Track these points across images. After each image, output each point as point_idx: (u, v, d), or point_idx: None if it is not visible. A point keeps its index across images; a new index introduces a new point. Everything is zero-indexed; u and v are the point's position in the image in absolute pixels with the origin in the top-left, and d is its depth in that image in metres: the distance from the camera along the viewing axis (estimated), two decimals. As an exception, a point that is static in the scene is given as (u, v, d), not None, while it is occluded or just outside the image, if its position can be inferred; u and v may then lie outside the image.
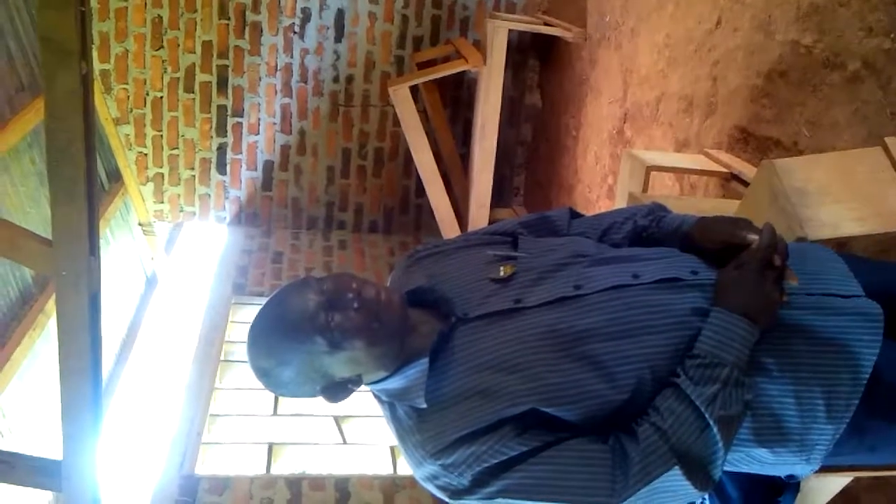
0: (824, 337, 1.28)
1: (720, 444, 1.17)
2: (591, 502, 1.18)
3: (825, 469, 1.39)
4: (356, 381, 1.31)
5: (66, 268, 2.30)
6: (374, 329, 1.24)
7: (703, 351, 1.21)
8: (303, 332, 1.23)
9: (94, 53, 5.43)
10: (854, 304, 1.31)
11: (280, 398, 4.49)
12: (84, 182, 2.24)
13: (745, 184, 2.99)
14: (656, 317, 1.25)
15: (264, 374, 1.28)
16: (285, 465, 4.03)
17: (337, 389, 1.30)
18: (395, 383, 1.30)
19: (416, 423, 1.26)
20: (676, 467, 1.16)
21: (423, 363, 1.26)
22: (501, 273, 1.34)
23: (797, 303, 1.27)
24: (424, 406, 1.25)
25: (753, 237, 1.28)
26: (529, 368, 1.22)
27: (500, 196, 6.12)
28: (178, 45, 5.55)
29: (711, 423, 1.16)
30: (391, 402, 1.32)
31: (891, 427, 1.34)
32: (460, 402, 1.23)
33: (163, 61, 5.57)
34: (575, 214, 1.59)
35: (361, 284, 1.27)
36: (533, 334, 1.24)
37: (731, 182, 3.18)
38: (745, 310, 1.22)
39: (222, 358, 4.72)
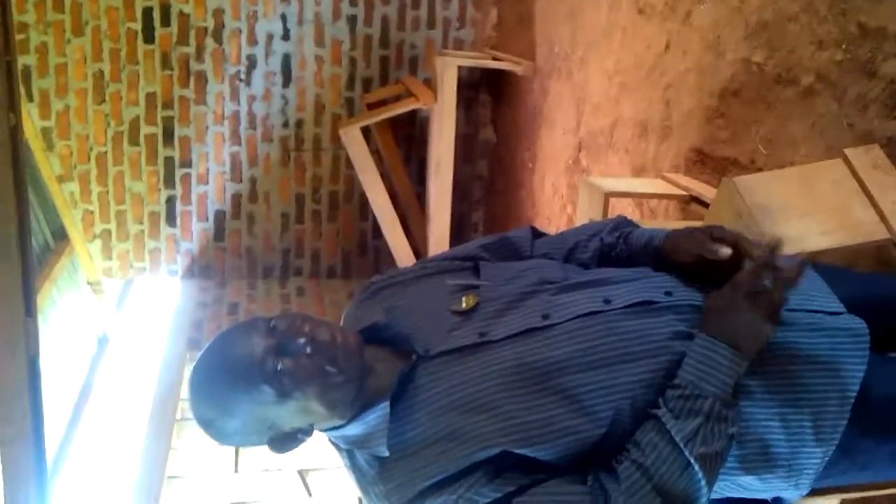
0: (810, 356, 1.21)
1: (703, 483, 1.09)
2: None
3: (814, 492, 1.32)
4: (307, 431, 1.20)
5: (0, 331, 2.17)
6: (329, 375, 1.13)
7: (685, 381, 1.12)
8: (248, 380, 1.12)
9: (35, 111, 5.31)
10: (838, 321, 1.26)
11: (240, 451, 4.34)
12: (16, 239, 2.13)
13: (705, 205, 2.96)
14: (631, 344, 1.16)
15: (207, 425, 1.17)
16: (250, 526, 3.87)
17: (286, 440, 1.19)
18: (353, 430, 1.19)
19: (379, 472, 1.15)
20: None
21: (384, 408, 1.15)
22: (464, 305, 1.25)
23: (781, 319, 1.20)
24: (387, 454, 1.14)
25: (725, 251, 1.21)
26: (499, 407, 1.12)
27: (459, 233, 6.06)
28: (121, 98, 5.44)
29: (692, 460, 1.08)
30: (350, 450, 1.21)
31: (881, 444, 1.28)
32: (426, 447, 1.13)
33: (106, 115, 5.45)
34: (537, 234, 1.51)
35: (315, 326, 1.16)
36: (501, 370, 1.15)
37: (690, 204, 3.15)
38: (731, 337, 1.13)
39: (178, 417, 4.55)
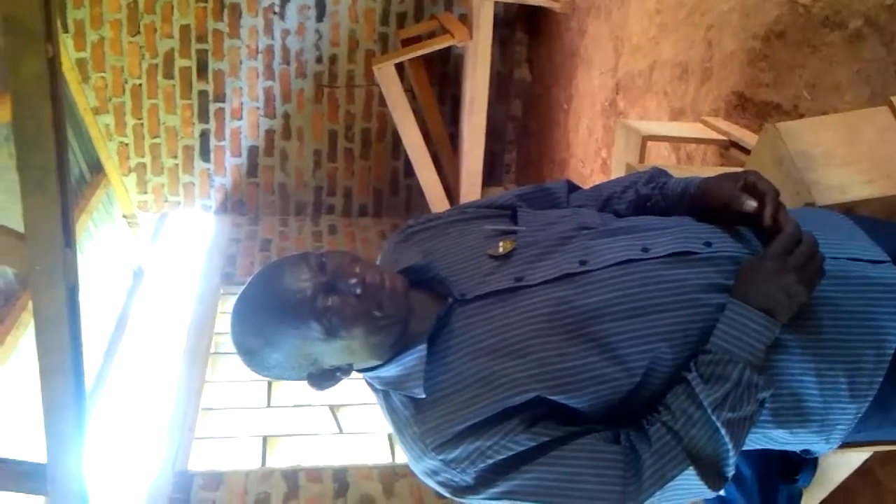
0: (847, 311, 1.19)
1: (730, 446, 1.09)
2: None
3: (846, 445, 1.31)
4: (346, 370, 1.20)
5: (39, 261, 2.20)
6: (376, 318, 1.13)
7: (716, 346, 1.12)
8: (298, 315, 1.11)
9: (70, 42, 5.32)
10: (879, 271, 1.23)
11: (273, 386, 4.41)
12: (55, 171, 2.13)
13: (745, 151, 2.91)
14: (668, 294, 1.15)
15: (249, 354, 1.17)
16: (281, 458, 3.95)
17: (325, 377, 1.20)
18: (390, 371, 1.19)
19: (414, 413, 1.16)
20: (690, 468, 1.09)
21: (421, 350, 1.16)
22: (501, 249, 1.24)
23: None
24: (423, 396, 1.15)
25: (751, 204, 1.18)
26: (534, 353, 1.12)
27: (491, 174, 6.03)
28: (156, 31, 5.42)
29: (719, 425, 1.08)
30: (386, 391, 1.22)
31: (917, 400, 1.25)
32: (461, 390, 1.13)
33: (140, 48, 5.44)
34: (573, 188, 1.48)
35: (365, 268, 1.15)
36: (536, 315, 1.14)
37: (729, 150, 3.09)
38: (764, 304, 1.12)
39: (212, 350, 4.63)
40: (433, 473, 1.16)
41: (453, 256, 1.27)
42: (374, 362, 1.20)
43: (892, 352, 1.19)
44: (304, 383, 1.22)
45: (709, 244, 1.20)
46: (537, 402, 1.11)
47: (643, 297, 1.15)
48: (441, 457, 1.13)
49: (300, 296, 1.12)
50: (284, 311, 1.12)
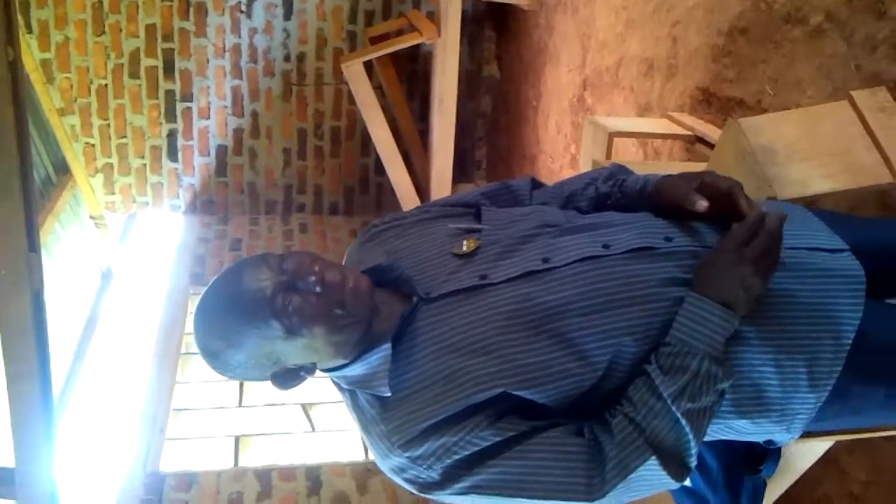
0: (805, 302, 1.21)
1: (691, 437, 1.11)
2: (569, 498, 1.11)
3: (807, 435, 1.34)
4: (310, 369, 1.21)
5: (3, 266, 2.18)
6: (336, 316, 1.14)
7: (675, 339, 1.14)
8: (259, 314, 1.12)
9: (34, 42, 5.25)
10: (838, 262, 1.25)
11: (244, 386, 4.40)
12: (18, 175, 2.12)
13: (710, 146, 2.94)
14: (628, 289, 1.17)
15: (212, 356, 1.18)
16: (253, 458, 3.94)
17: (289, 377, 1.20)
18: (355, 370, 1.20)
19: (380, 412, 1.17)
20: (652, 458, 1.10)
21: (386, 349, 1.17)
22: (465, 248, 1.25)
23: (780, 261, 1.20)
24: (388, 394, 1.16)
25: (702, 204, 1.20)
26: (498, 350, 1.13)
27: (461, 170, 6.03)
28: (121, 30, 5.36)
29: (679, 416, 1.10)
30: (352, 391, 1.23)
31: (875, 389, 1.29)
32: (426, 388, 1.14)
33: (105, 47, 5.38)
34: (536, 185, 1.50)
35: (325, 267, 1.16)
36: (500, 313, 1.16)
37: (695, 145, 3.12)
38: (721, 296, 1.14)
39: (183, 351, 4.60)
40: (400, 471, 1.17)
41: (418, 255, 1.28)
42: (339, 361, 1.21)
43: (850, 341, 1.21)
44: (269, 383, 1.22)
45: (669, 239, 1.22)
46: (502, 397, 1.12)
47: (605, 292, 1.17)
48: (407, 454, 1.14)
49: (260, 295, 1.13)
50: (245, 312, 1.13)
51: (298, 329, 1.13)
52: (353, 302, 1.15)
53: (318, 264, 1.16)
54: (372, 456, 3.93)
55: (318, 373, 1.25)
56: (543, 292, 1.17)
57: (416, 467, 1.14)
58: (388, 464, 1.18)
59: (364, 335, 1.19)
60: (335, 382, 1.27)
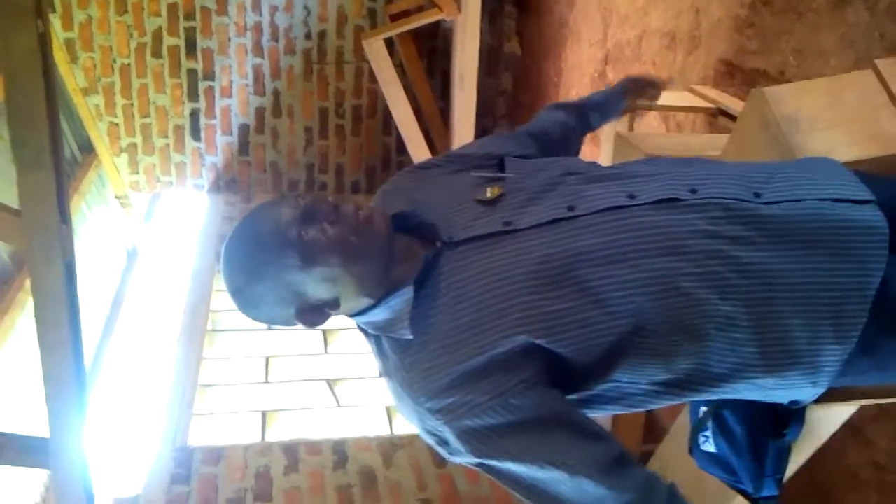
0: (830, 252, 1.21)
1: None
2: (591, 475, 1.16)
3: (833, 394, 1.34)
4: (333, 305, 1.21)
5: (36, 237, 2.21)
6: (351, 244, 1.16)
7: None
8: (275, 245, 1.15)
9: (57, 22, 5.27)
10: (863, 212, 1.24)
11: (270, 361, 4.44)
12: (49, 146, 2.14)
13: (733, 118, 2.93)
14: (651, 240, 1.17)
15: (237, 293, 1.20)
16: (280, 432, 3.98)
17: (313, 313, 1.21)
18: (379, 315, 1.22)
19: (402, 358, 1.18)
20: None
21: (408, 292, 1.18)
22: (488, 194, 1.26)
23: (805, 212, 1.21)
24: (410, 337, 1.17)
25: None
26: (520, 297, 1.14)
27: (482, 148, 6.01)
28: (143, 9, 5.38)
29: None
30: (377, 336, 1.25)
31: (901, 343, 1.27)
32: (449, 335, 1.15)
33: (128, 26, 5.41)
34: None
35: (340, 200, 1.20)
36: (525, 259, 1.17)
37: (718, 118, 3.11)
38: None
39: (209, 327, 4.65)
40: (420, 420, 1.18)
41: (442, 202, 1.29)
42: (363, 301, 1.22)
43: (874, 292, 1.21)
44: (298, 330, 1.24)
45: (694, 190, 1.22)
46: (529, 354, 1.14)
47: (629, 242, 1.17)
48: (429, 405, 1.15)
49: (276, 227, 1.16)
50: (263, 244, 1.16)
51: (314, 257, 1.15)
52: (367, 229, 1.17)
53: (334, 198, 1.20)
54: (397, 430, 3.95)
55: (343, 346, 1.27)
56: (568, 240, 1.17)
57: (436, 419, 1.15)
58: (408, 411, 1.20)
59: (386, 275, 1.20)
60: (361, 329, 1.29)
